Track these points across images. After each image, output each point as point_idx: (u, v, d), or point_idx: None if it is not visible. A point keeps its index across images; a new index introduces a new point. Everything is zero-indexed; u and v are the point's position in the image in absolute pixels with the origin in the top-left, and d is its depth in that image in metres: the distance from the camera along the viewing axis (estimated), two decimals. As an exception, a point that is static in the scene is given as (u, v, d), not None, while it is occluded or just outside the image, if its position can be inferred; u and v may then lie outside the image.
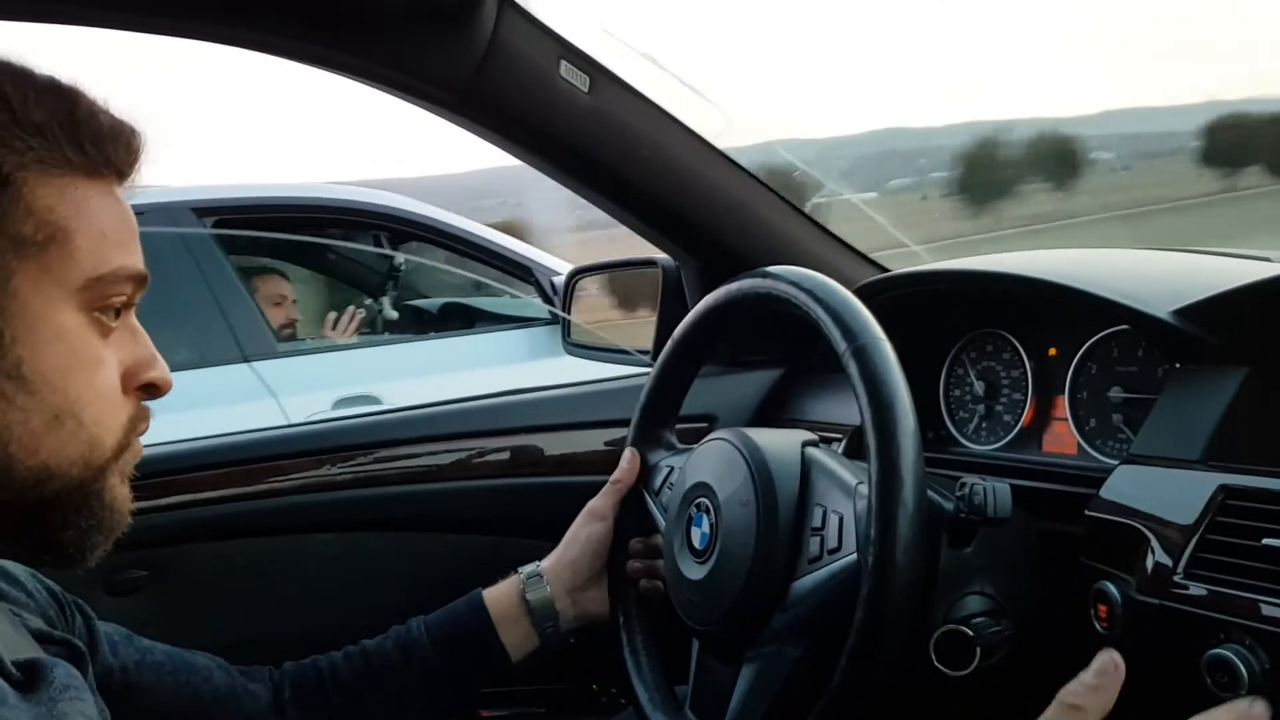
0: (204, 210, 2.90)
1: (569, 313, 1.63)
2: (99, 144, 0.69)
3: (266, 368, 2.79)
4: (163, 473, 1.33)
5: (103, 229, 0.69)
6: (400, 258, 3.53)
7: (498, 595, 1.08)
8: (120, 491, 0.72)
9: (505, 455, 1.44)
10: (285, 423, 2.23)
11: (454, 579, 1.12)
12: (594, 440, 1.47)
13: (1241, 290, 0.96)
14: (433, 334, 3.39)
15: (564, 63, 1.21)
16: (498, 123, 1.25)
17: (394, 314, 3.52)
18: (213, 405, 2.29)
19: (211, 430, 1.41)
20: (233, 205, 3.03)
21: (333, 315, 3.32)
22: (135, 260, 0.72)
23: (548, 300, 3.03)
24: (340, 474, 1.38)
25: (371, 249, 3.51)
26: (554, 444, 1.46)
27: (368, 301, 3.50)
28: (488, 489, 1.44)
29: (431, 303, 3.67)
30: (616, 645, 1.10)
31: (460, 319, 3.44)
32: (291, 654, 1.05)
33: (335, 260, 3.69)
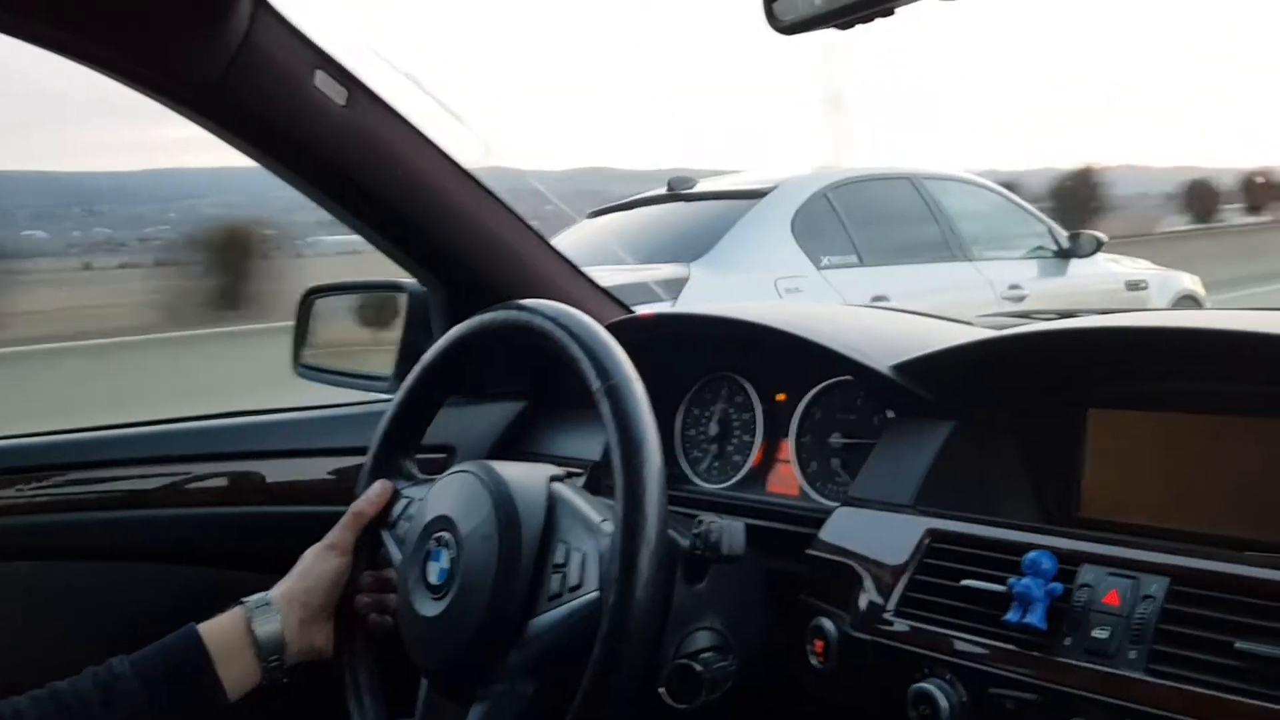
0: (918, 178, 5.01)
1: (305, 333, 1.56)
2: None
3: (983, 266, 4.81)
4: None
5: None
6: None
7: (216, 627, 1.00)
8: None
9: (223, 481, 1.35)
10: None
11: (162, 614, 1.03)
12: (321, 468, 1.40)
13: (950, 350, 1.06)
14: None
15: (320, 73, 1.16)
16: (243, 127, 1.18)
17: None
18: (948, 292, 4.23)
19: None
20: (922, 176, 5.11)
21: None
22: None
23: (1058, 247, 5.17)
24: (30, 496, 1.24)
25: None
26: (277, 471, 1.39)
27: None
28: (201, 517, 1.34)
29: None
30: (339, 683, 1.05)
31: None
32: None
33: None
